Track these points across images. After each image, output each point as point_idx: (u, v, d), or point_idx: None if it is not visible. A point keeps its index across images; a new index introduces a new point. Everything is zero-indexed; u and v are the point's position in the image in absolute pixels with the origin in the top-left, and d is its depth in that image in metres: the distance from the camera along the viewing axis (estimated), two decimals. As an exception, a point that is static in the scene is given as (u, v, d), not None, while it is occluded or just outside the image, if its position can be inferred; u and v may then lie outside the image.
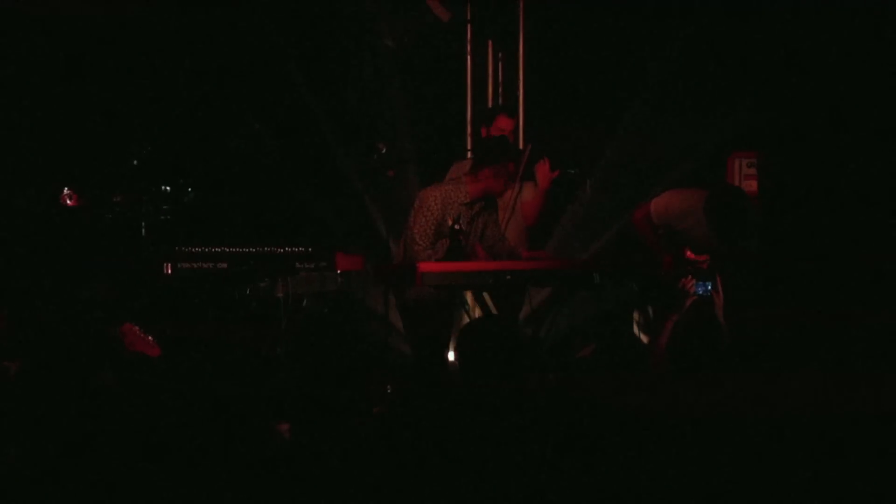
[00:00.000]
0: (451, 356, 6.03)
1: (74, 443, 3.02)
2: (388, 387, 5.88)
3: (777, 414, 3.67)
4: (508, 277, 5.75)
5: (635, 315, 6.36)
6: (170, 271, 5.90)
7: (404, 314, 6.21)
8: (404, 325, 6.30)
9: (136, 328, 5.47)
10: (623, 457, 2.95)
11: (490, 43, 7.66)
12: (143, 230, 6.75)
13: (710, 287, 5.50)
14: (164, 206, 6.89)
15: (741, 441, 3.11)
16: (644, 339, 6.22)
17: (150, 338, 5.45)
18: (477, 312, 6.35)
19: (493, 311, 6.22)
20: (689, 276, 5.48)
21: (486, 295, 6.16)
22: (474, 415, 3.06)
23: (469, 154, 6.88)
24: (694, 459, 3.01)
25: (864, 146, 6.95)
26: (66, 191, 6.62)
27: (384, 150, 6.39)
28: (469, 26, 7.63)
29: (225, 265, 5.98)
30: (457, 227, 5.67)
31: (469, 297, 6.41)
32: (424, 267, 5.49)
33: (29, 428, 3.12)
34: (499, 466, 2.84)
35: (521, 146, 7.35)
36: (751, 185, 7.06)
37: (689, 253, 5.69)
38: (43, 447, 2.99)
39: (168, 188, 6.95)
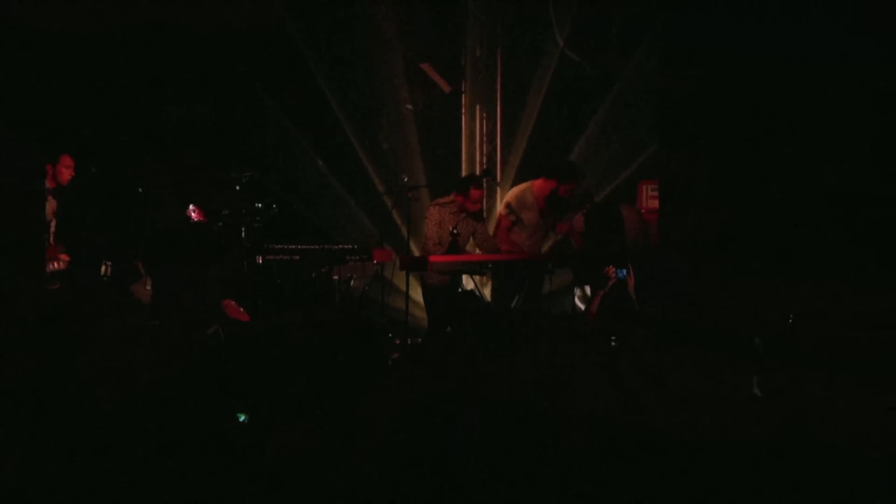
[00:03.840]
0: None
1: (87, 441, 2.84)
2: (398, 339, 6.81)
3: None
4: (490, 266, 6.60)
5: (577, 291, 7.21)
6: (261, 261, 6.86)
7: (425, 292, 6.82)
8: (424, 299, 6.86)
9: (233, 302, 6.67)
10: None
11: (478, 106, 8.66)
12: (243, 233, 7.11)
13: (625, 273, 6.00)
14: (257, 217, 7.28)
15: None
16: (582, 307, 7.04)
17: (241, 308, 6.66)
18: (469, 287, 7.23)
19: (476, 290, 7.10)
20: (611, 266, 6.07)
21: (476, 278, 7.10)
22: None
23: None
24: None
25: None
26: (191, 207, 6.99)
27: (406, 179, 7.16)
28: (463, 95, 8.69)
29: (298, 257, 6.90)
30: (455, 231, 6.58)
31: (465, 280, 7.23)
32: (433, 259, 6.32)
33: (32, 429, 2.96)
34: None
35: (499, 174, 8.55)
36: (653, 204, 7.31)
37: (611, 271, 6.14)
38: (48, 447, 2.83)
39: (259, 205, 7.34)
